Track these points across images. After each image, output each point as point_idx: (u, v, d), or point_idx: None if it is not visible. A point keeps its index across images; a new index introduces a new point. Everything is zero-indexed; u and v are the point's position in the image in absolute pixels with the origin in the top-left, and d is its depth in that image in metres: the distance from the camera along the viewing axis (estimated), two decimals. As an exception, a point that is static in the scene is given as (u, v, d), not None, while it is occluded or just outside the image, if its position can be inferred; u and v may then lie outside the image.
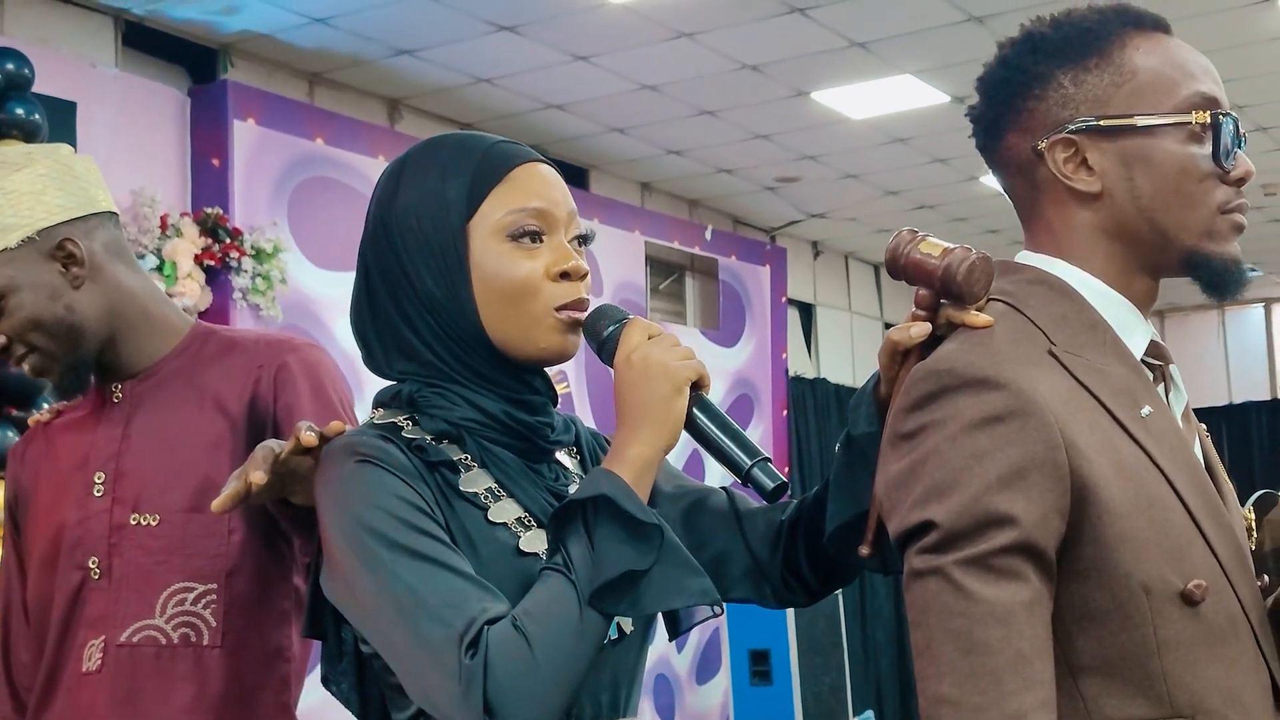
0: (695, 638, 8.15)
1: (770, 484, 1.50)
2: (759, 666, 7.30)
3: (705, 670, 8.25)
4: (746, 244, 9.12)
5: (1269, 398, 12.44)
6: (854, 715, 7.64)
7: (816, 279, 10.18)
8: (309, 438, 1.55)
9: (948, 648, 1.26)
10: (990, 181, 8.69)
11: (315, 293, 5.91)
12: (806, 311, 10.06)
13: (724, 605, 1.53)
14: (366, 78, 6.57)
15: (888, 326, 11.11)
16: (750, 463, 1.51)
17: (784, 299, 9.27)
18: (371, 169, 6.23)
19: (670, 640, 1.63)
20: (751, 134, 7.60)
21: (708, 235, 8.65)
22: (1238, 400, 12.41)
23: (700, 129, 7.48)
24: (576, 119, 7.23)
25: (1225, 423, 12.07)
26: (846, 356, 10.36)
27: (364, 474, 1.47)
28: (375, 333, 1.59)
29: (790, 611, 6.67)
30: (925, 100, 7.11)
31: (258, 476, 1.58)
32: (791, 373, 9.38)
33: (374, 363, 1.61)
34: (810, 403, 9.66)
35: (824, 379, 9.98)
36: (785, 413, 9.09)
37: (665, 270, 8.59)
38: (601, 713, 1.55)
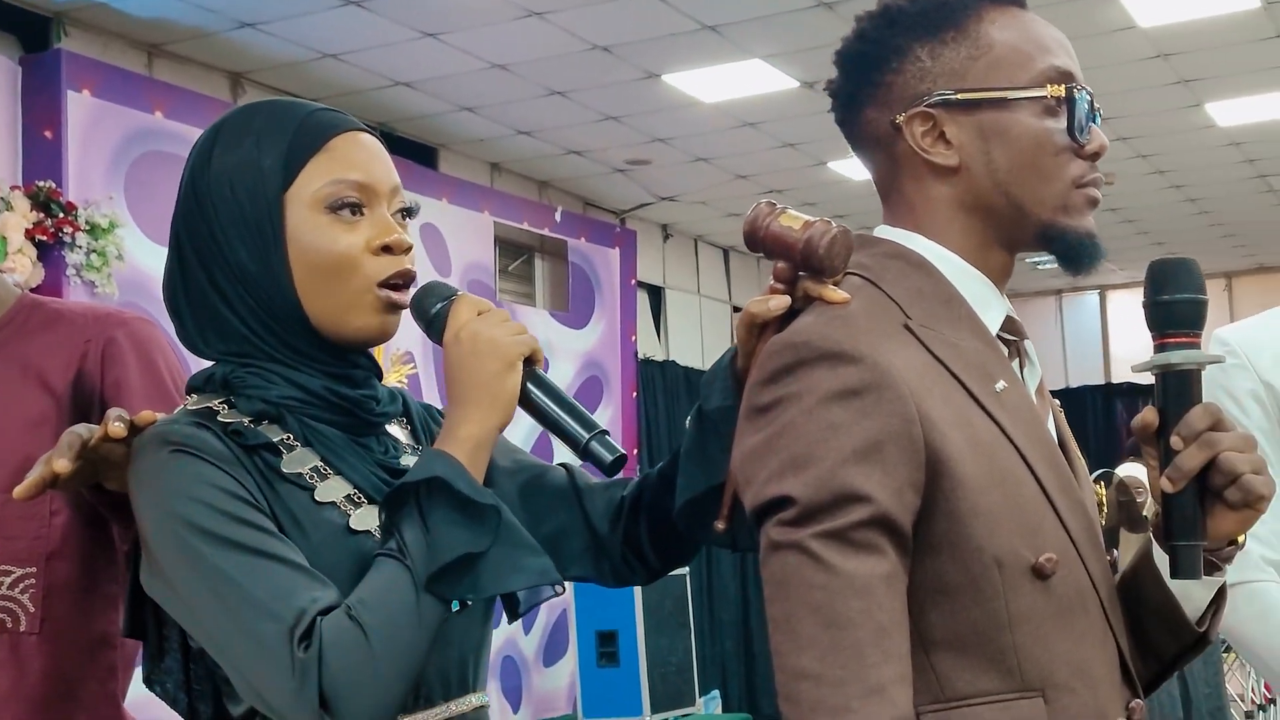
0: (542, 619, 8.13)
1: (609, 457, 1.49)
2: (606, 648, 7.30)
3: (552, 652, 8.23)
4: (596, 226, 9.10)
5: (1103, 382, 12.79)
6: (700, 695, 7.68)
7: (666, 262, 10.20)
8: (117, 429, 1.48)
9: (808, 621, 1.25)
10: (839, 167, 8.83)
11: (153, 270, 5.74)
12: (656, 294, 10.09)
13: (564, 585, 1.51)
14: (208, 50, 6.40)
15: (736, 310, 11.21)
16: (588, 436, 1.49)
17: (633, 281, 9.27)
18: (213, 144, 6.06)
19: (510, 622, 1.60)
20: (602, 115, 7.58)
21: (557, 217, 8.61)
22: (1074, 384, 12.74)
23: (550, 109, 7.43)
24: (425, 97, 7.14)
25: (1062, 405, 12.37)
26: (696, 339, 10.41)
27: (178, 465, 1.40)
28: (189, 307, 1.53)
29: (638, 593, 6.69)
30: (775, 85, 7.15)
31: (61, 465, 1.49)
32: (641, 355, 9.39)
33: (187, 337, 1.55)
34: (659, 385, 9.68)
35: (673, 362, 10.01)
36: (634, 395, 9.10)
37: (514, 251, 8.54)
38: (451, 690, 1.51)
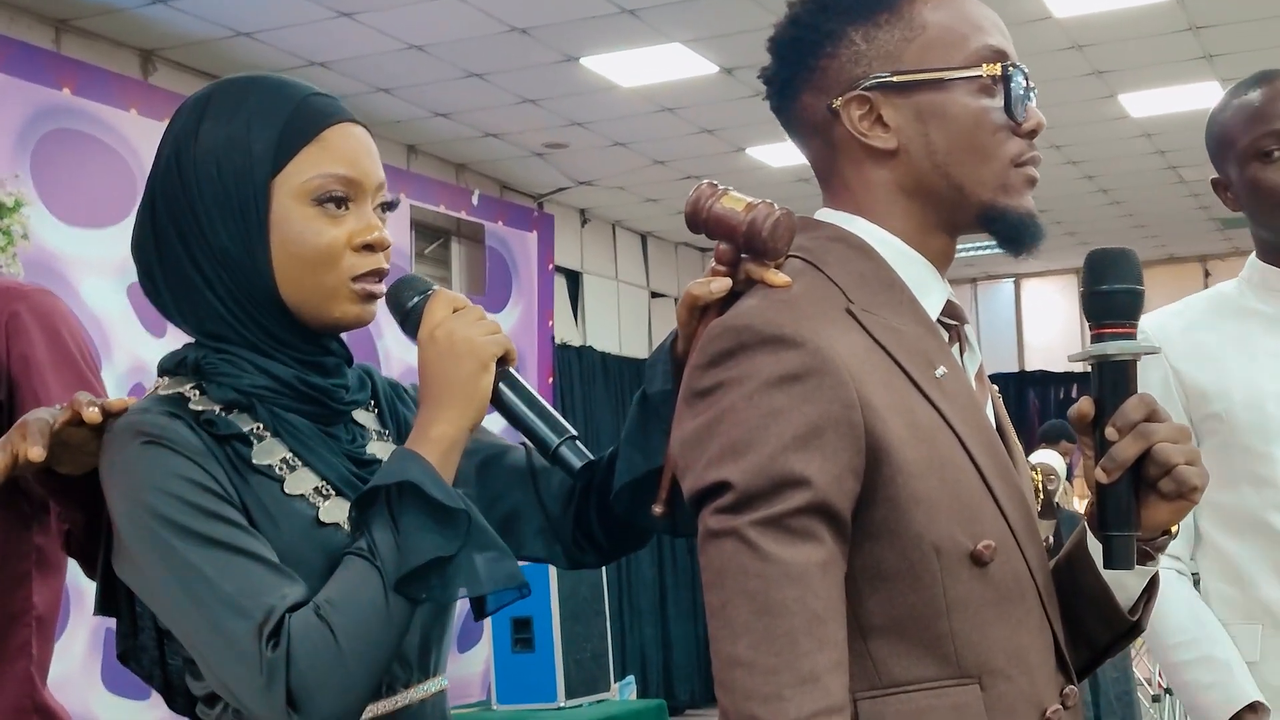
0: (458, 605, 8.08)
1: (578, 463, 1.50)
2: (521, 634, 7.27)
3: (467, 638, 8.20)
4: (514, 210, 9.06)
5: (1016, 369, 12.94)
6: (615, 681, 7.69)
7: (584, 246, 10.18)
8: (93, 414, 1.45)
9: (743, 609, 1.24)
10: (757, 153, 8.84)
11: (60, 249, 5.63)
12: (573, 279, 10.07)
13: (530, 587, 1.51)
14: (118, 26, 6.28)
15: (654, 295, 11.22)
16: (558, 441, 1.50)
17: (551, 266, 9.25)
18: (123, 122, 5.96)
19: (476, 620, 1.62)
20: (520, 98, 7.54)
21: (475, 200, 8.55)
22: (988, 371, 12.87)
23: (468, 91, 7.38)
24: (340, 78, 7.05)
25: (979, 392, 12.53)
26: (613, 324, 10.40)
27: (151, 457, 1.39)
28: (163, 274, 1.51)
29: (553, 579, 6.68)
30: (694, 70, 7.14)
31: (36, 453, 1.46)
32: (558, 340, 9.38)
33: (160, 302, 1.53)
34: (576, 370, 9.67)
35: (590, 347, 10.00)
36: (551, 380, 9.08)
37: (431, 235, 8.48)
38: (413, 675, 1.52)
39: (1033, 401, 12.77)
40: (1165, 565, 2.14)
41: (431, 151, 8.52)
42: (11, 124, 5.60)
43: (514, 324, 8.79)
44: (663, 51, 6.90)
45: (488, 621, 7.42)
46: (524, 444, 1.70)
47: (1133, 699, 6.76)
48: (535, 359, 8.93)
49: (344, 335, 1.57)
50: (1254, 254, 2.29)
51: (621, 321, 10.51)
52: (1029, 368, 12.94)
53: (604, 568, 7.61)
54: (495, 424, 1.59)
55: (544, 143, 8.40)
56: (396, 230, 7.78)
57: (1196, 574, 2.30)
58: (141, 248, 1.52)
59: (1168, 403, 2.18)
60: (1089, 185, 9.98)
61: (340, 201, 1.49)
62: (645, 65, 7.08)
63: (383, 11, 6.24)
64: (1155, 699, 7.41)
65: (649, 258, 10.99)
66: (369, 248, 1.50)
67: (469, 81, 7.23)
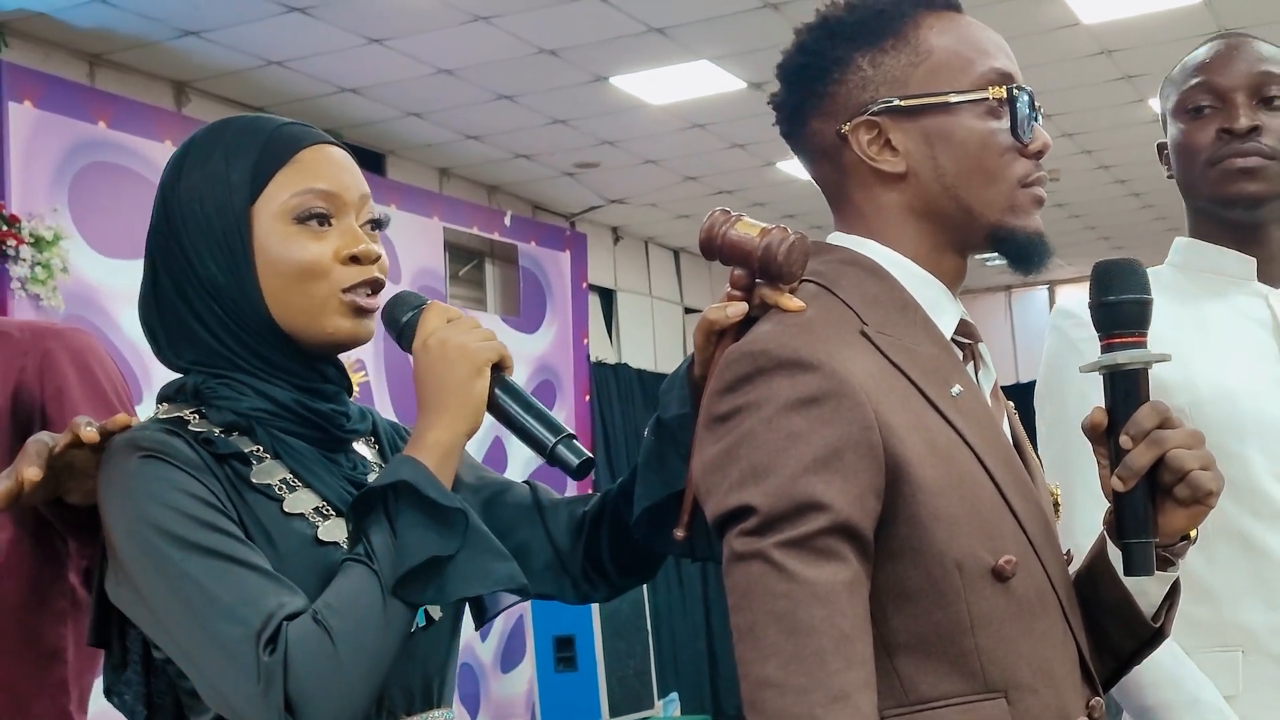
0: (499, 625, 8.11)
1: (575, 460, 1.49)
2: (564, 653, 7.29)
3: (510, 658, 8.21)
4: (546, 230, 9.09)
5: (1052, 376, 12.86)
6: (659, 698, 7.68)
7: (617, 264, 10.20)
8: (89, 433, 1.47)
9: (771, 630, 1.25)
10: (788, 167, 8.84)
11: (99, 281, 5.69)
12: (607, 297, 10.08)
13: (530, 589, 1.50)
14: (151, 59, 6.35)
15: (688, 311, 11.23)
16: (554, 440, 1.50)
17: (585, 284, 9.27)
18: (158, 153, 6.02)
19: (476, 629, 1.61)
20: (550, 119, 7.57)
21: (507, 221, 8.59)
22: (1024, 380, 12.81)
23: (498, 114, 7.41)
24: (372, 103, 7.11)
25: (1013, 401, 12.43)
26: (648, 341, 10.41)
27: (149, 470, 1.40)
28: (161, 323, 1.53)
29: (595, 597, 6.68)
30: (723, 86, 7.16)
31: (32, 473, 1.48)
32: (593, 358, 9.38)
33: (162, 354, 1.55)
34: (613, 388, 9.68)
35: (626, 364, 10.01)
36: (588, 398, 9.09)
37: (465, 257, 8.51)
38: (415, 704, 1.51)
39: (1070, 408, 12.70)
40: None
41: (463, 174, 8.56)
42: (49, 158, 5.67)
43: (549, 343, 8.82)
44: (691, 69, 6.91)
45: (530, 641, 7.45)
46: (528, 481, 1.71)
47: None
48: (571, 377, 8.95)
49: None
50: (1185, 236, 2.13)
51: (656, 338, 10.52)
52: (1067, 374, 12.87)
53: (645, 585, 7.63)
54: (518, 462, 1.58)
55: (575, 162, 8.43)
56: (430, 253, 7.83)
57: None
58: (144, 305, 1.55)
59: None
60: (1121, 190, 9.94)
61: (322, 219, 1.50)
62: (674, 83, 7.10)
63: (412, 37, 6.29)
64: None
65: (682, 274, 11.00)
66: (355, 259, 1.50)
67: (499, 104, 7.27)
